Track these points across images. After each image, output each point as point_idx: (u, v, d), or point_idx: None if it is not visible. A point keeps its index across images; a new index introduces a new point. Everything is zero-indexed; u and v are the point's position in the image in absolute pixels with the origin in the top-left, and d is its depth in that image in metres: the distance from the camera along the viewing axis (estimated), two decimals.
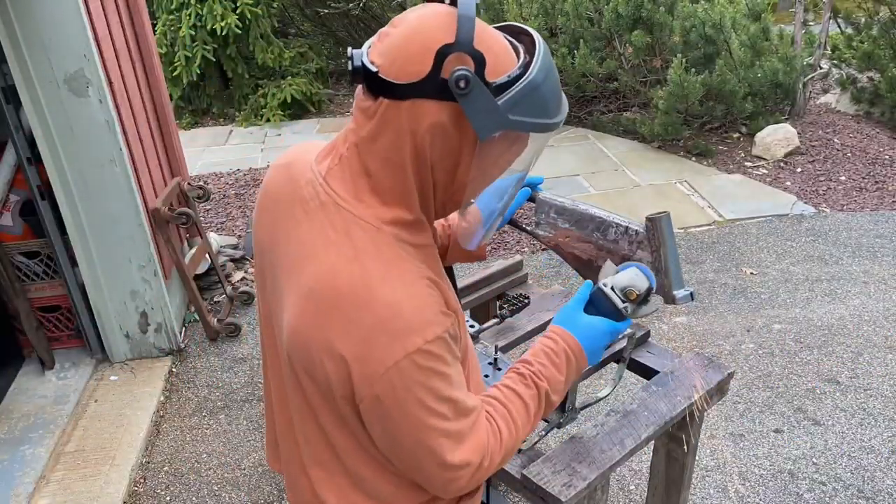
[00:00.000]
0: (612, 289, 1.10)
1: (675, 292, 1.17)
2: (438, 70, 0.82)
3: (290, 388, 1.00)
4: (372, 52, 0.87)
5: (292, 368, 0.95)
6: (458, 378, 0.92)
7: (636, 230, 1.21)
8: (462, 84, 0.81)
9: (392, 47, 0.85)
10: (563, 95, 0.93)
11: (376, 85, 0.85)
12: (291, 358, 0.94)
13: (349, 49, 0.89)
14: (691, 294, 1.18)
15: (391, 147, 0.87)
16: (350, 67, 0.87)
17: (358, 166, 0.90)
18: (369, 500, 1.00)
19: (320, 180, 0.93)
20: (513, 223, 1.44)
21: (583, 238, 1.27)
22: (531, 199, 1.41)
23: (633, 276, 1.11)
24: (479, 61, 0.83)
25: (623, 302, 1.09)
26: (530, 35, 0.91)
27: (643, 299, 1.10)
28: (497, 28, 0.93)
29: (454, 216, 1.28)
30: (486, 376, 1.56)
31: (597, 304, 1.10)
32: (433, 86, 0.83)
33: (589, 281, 1.15)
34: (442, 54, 0.82)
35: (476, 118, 0.83)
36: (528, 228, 1.42)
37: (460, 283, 1.90)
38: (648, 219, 1.17)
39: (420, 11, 0.87)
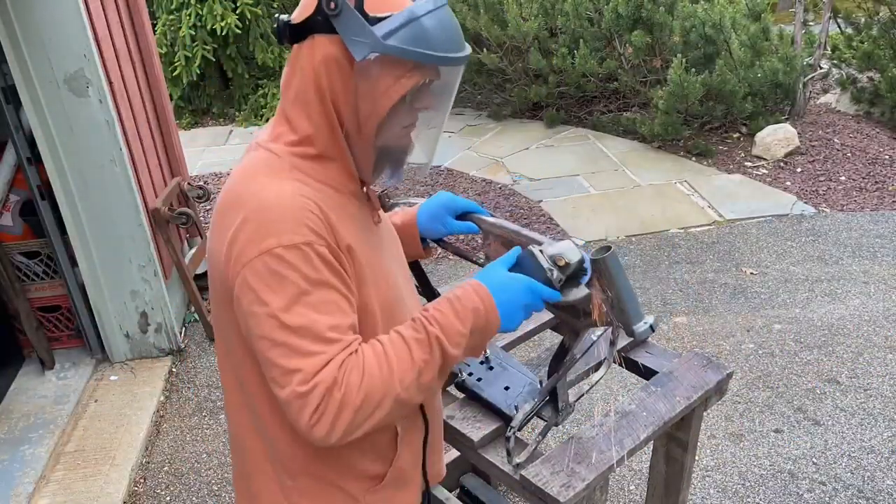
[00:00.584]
0: (541, 251, 1.06)
1: (633, 327, 1.11)
2: (321, 3, 0.93)
3: (221, 348, 1.09)
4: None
5: (215, 309, 1.04)
6: (324, 301, 0.92)
7: (587, 269, 1.12)
8: (331, 6, 0.91)
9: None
10: (460, 37, 0.98)
11: (288, 34, 0.98)
12: (213, 285, 1.03)
13: (276, 15, 1.02)
14: (651, 326, 1.12)
15: (299, 86, 0.98)
16: (274, 29, 1.01)
17: (279, 116, 1.03)
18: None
19: (254, 142, 1.06)
20: (461, 255, 1.45)
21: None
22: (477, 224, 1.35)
23: (565, 246, 1.07)
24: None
25: (550, 267, 1.04)
26: None
27: (573, 274, 1.06)
28: None
29: (399, 216, 1.33)
30: (480, 379, 1.55)
31: (523, 265, 1.06)
32: (321, 19, 0.94)
33: (519, 246, 1.12)
34: None
35: (349, 40, 0.92)
36: (480, 261, 1.40)
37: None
38: (592, 260, 1.08)
39: None
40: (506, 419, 1.44)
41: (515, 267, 1.06)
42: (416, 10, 0.92)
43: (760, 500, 2.38)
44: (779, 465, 2.52)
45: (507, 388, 1.50)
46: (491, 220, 1.32)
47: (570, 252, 1.06)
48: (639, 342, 1.70)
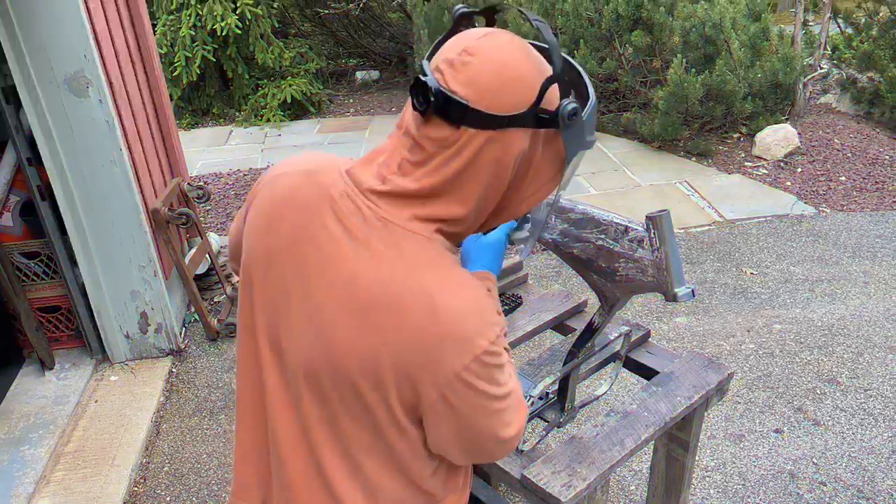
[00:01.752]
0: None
1: (676, 290, 1.17)
2: (540, 101, 0.86)
3: (309, 401, 0.97)
4: (451, 82, 0.85)
5: (332, 384, 0.93)
6: (511, 365, 0.97)
7: (636, 229, 1.20)
8: (573, 116, 0.87)
9: (480, 78, 0.85)
10: None
11: (460, 115, 0.85)
12: (339, 373, 0.91)
13: (422, 76, 0.87)
14: (692, 291, 1.19)
15: (466, 175, 0.88)
16: (417, 95, 0.86)
17: (411, 190, 0.89)
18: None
19: (360, 195, 0.91)
20: None
21: (582, 238, 1.27)
22: None
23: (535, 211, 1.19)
24: (584, 96, 0.90)
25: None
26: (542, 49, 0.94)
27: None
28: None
29: None
30: None
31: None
32: (532, 116, 0.87)
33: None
34: (546, 86, 0.86)
35: (570, 144, 0.90)
36: None
37: None
38: (648, 217, 1.16)
39: (497, 39, 0.88)
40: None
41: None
42: (594, 102, 0.92)
43: (760, 500, 2.38)
44: (779, 466, 2.52)
45: None
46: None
47: (537, 212, 1.19)
48: (644, 340, 1.71)
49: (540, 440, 1.42)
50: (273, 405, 1.00)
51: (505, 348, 0.94)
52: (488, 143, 0.86)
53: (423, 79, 0.86)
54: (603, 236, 1.23)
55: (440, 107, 0.85)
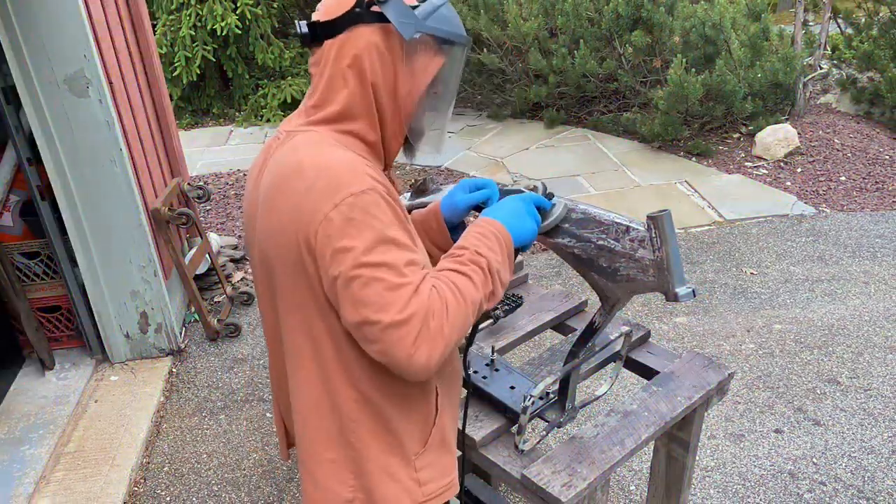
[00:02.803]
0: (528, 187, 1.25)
1: (677, 290, 1.17)
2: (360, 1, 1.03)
3: (280, 319, 1.13)
4: (313, 17, 1.08)
5: (276, 281, 1.09)
6: (396, 237, 1.00)
7: (637, 229, 1.20)
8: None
9: (325, 0, 1.07)
10: (460, 24, 1.14)
11: (318, 33, 1.06)
12: (272, 263, 1.08)
13: (296, 22, 1.09)
14: (693, 291, 1.18)
15: (338, 76, 1.06)
16: (299, 35, 1.08)
17: (310, 107, 1.10)
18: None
19: (283, 133, 1.12)
20: None
21: (583, 238, 1.27)
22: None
23: (524, 183, 1.28)
24: None
25: (528, 186, 1.24)
26: None
27: (545, 194, 1.25)
28: None
29: (424, 210, 1.36)
30: (485, 377, 1.56)
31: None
32: (361, 11, 1.04)
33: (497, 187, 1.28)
34: None
35: (398, 21, 1.04)
36: None
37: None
38: (649, 217, 1.16)
39: None
40: (511, 415, 1.46)
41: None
42: (435, 1, 1.08)
43: (760, 500, 2.38)
44: (779, 466, 2.52)
45: (512, 388, 1.52)
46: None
47: (534, 182, 1.27)
48: (644, 340, 1.71)
49: (540, 440, 1.43)
50: (262, 311, 1.21)
51: (392, 225, 1.00)
52: (342, 46, 1.05)
53: (297, 22, 1.08)
54: (604, 236, 1.23)
55: (308, 37, 1.08)
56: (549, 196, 1.26)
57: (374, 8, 1.04)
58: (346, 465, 1.14)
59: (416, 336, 0.97)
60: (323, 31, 1.06)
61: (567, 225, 1.29)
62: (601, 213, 1.26)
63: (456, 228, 1.32)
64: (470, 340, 1.31)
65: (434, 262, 1.30)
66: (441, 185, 1.54)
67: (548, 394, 1.47)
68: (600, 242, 1.24)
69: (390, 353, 0.98)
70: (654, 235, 1.16)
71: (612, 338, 1.56)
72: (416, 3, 1.07)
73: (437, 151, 1.21)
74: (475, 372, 1.57)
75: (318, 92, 1.09)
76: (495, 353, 1.61)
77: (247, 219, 1.19)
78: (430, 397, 1.18)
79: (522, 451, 1.40)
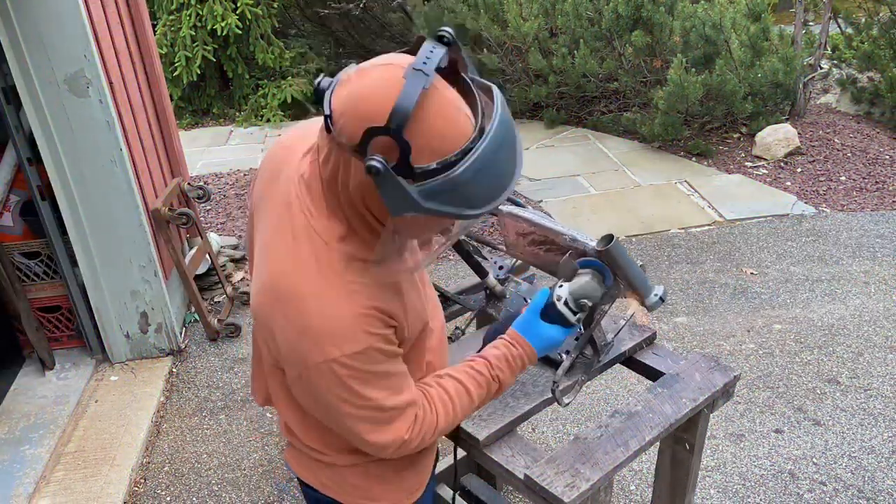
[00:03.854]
0: (566, 303, 1.19)
1: (646, 301, 1.26)
2: (366, 146, 0.86)
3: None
4: (336, 93, 0.91)
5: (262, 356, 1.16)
6: (384, 378, 1.03)
7: (593, 250, 1.28)
8: (373, 172, 0.85)
9: (343, 102, 0.90)
10: (509, 179, 0.91)
11: (328, 125, 0.92)
12: (254, 323, 1.14)
13: (321, 75, 0.96)
14: (661, 298, 1.26)
15: (334, 180, 0.96)
16: (315, 92, 0.97)
17: (320, 178, 1.00)
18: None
19: (296, 179, 1.04)
20: (484, 242, 1.52)
21: (550, 260, 1.37)
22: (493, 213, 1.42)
23: (587, 287, 1.20)
24: (404, 149, 0.85)
25: (575, 314, 1.20)
26: (488, 88, 0.92)
27: (595, 306, 1.23)
28: (471, 80, 0.93)
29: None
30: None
31: (551, 314, 1.20)
32: (362, 155, 0.87)
33: (546, 289, 1.23)
34: (369, 134, 0.86)
35: (388, 200, 0.87)
36: (502, 248, 1.56)
37: (465, 284, 1.92)
38: (598, 252, 1.23)
39: (379, 73, 0.89)
40: (552, 363, 1.56)
41: (544, 314, 1.21)
42: (461, 177, 0.86)
43: (761, 500, 2.38)
44: (779, 466, 2.52)
45: None
46: (504, 208, 1.39)
47: (592, 293, 1.21)
48: (648, 341, 1.70)
49: (581, 385, 1.47)
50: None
51: (386, 371, 1.03)
52: (339, 159, 0.93)
53: (318, 79, 0.96)
54: (563, 255, 1.32)
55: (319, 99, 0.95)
56: (603, 297, 1.24)
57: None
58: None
59: (391, 453, 1.09)
60: (331, 132, 0.91)
61: (531, 248, 1.42)
62: (558, 231, 1.36)
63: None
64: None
65: None
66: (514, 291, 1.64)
67: (580, 347, 1.48)
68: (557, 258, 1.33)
69: (369, 451, 1.11)
70: (609, 264, 1.23)
71: (610, 338, 1.56)
72: (432, 165, 0.86)
73: (415, 271, 1.13)
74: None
75: (329, 165, 0.96)
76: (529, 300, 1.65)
77: (255, 193, 1.18)
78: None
79: (566, 405, 1.43)
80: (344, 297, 0.98)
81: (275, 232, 1.04)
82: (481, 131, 0.88)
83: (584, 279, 1.22)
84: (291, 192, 1.03)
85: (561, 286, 1.21)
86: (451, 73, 0.91)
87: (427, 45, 0.88)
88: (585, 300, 1.19)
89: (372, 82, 0.89)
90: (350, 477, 1.23)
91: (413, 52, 0.90)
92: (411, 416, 1.08)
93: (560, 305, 1.19)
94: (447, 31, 0.89)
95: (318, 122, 1.11)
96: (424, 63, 0.85)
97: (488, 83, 0.93)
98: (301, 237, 1.00)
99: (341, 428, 1.07)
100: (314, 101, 1.09)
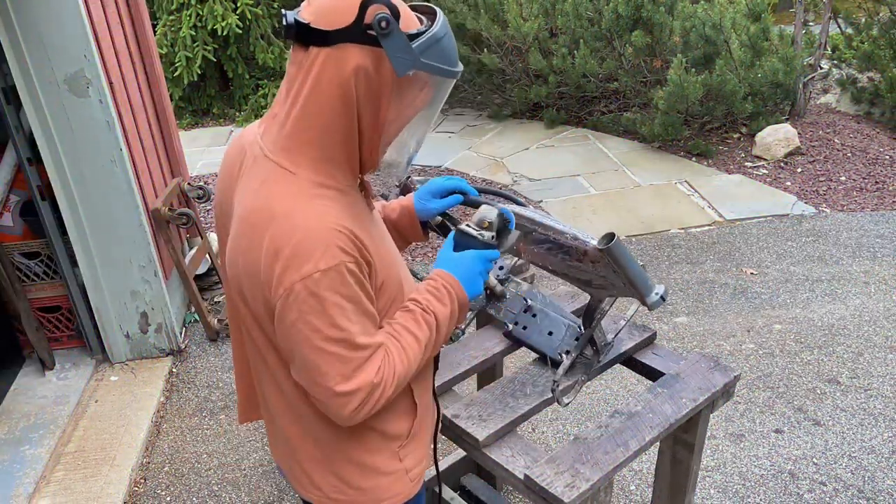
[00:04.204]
0: (468, 225, 1.25)
1: (647, 300, 1.27)
2: (362, 17, 0.97)
3: (243, 330, 1.18)
4: (303, 12, 1.01)
5: (236, 299, 1.12)
6: (357, 313, 1.04)
7: (594, 252, 1.29)
8: (384, 24, 0.96)
9: (322, 3, 0.99)
10: (457, 55, 1.09)
11: (308, 36, 0.99)
12: (231, 286, 1.10)
13: (283, 11, 1.03)
14: (662, 297, 1.28)
15: (321, 93, 1.01)
16: (284, 25, 1.01)
17: (286, 118, 1.04)
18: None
19: (259, 139, 1.09)
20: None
21: (548, 259, 1.38)
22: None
23: (483, 210, 1.26)
24: (395, 12, 0.98)
25: (478, 231, 1.23)
26: (431, 11, 1.08)
27: (501, 227, 1.25)
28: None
29: (391, 204, 1.43)
30: (525, 328, 1.63)
31: (461, 243, 1.24)
32: (357, 31, 0.97)
33: (454, 229, 1.28)
34: (365, 4, 0.97)
35: (395, 57, 0.99)
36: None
37: None
38: (600, 250, 1.25)
39: None
40: (552, 363, 1.58)
41: (457, 246, 1.24)
42: (439, 33, 1.02)
43: (761, 500, 2.38)
44: (779, 466, 2.52)
45: (550, 334, 1.59)
46: (479, 198, 1.42)
47: (488, 213, 1.25)
48: (649, 341, 1.71)
49: (582, 385, 1.47)
50: (227, 298, 1.22)
51: (358, 299, 1.03)
52: (327, 59, 0.99)
53: (284, 11, 1.02)
54: (567, 257, 1.34)
55: (294, 32, 1.01)
56: (506, 222, 1.26)
57: (371, 31, 0.98)
58: (327, 466, 1.21)
59: (357, 405, 1.06)
60: (312, 37, 0.99)
61: (532, 247, 1.40)
62: (561, 231, 1.36)
63: (425, 224, 1.42)
64: (435, 366, 1.36)
65: (399, 248, 1.40)
66: (420, 183, 1.59)
67: (581, 347, 1.51)
68: (567, 262, 1.34)
69: (330, 413, 1.08)
70: (609, 262, 1.25)
71: (610, 338, 1.57)
72: (418, 30, 1.01)
73: (400, 176, 1.19)
74: (516, 324, 1.64)
75: (298, 106, 1.02)
76: (529, 300, 1.67)
77: (217, 195, 1.20)
78: (407, 397, 1.24)
79: (566, 405, 1.45)
80: (314, 215, 1.01)
81: (245, 189, 1.07)
82: (431, 13, 1.06)
83: (480, 209, 1.28)
84: (256, 149, 1.08)
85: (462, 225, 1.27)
86: None
87: None
88: (483, 218, 1.24)
89: None
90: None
91: None
92: (380, 358, 1.08)
93: (462, 227, 1.24)
94: None
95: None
96: None
97: (429, 5, 1.09)
98: (269, 176, 1.04)
99: (310, 372, 1.05)
100: (285, 33, 1.10)
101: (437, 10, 1.08)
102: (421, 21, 1.05)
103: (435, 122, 1.21)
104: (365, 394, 1.06)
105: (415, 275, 1.68)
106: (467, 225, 1.24)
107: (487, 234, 1.23)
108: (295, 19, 1.00)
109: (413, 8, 1.08)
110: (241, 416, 1.41)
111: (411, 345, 1.13)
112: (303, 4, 1.03)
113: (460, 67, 1.10)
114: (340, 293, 1.01)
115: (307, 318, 1.01)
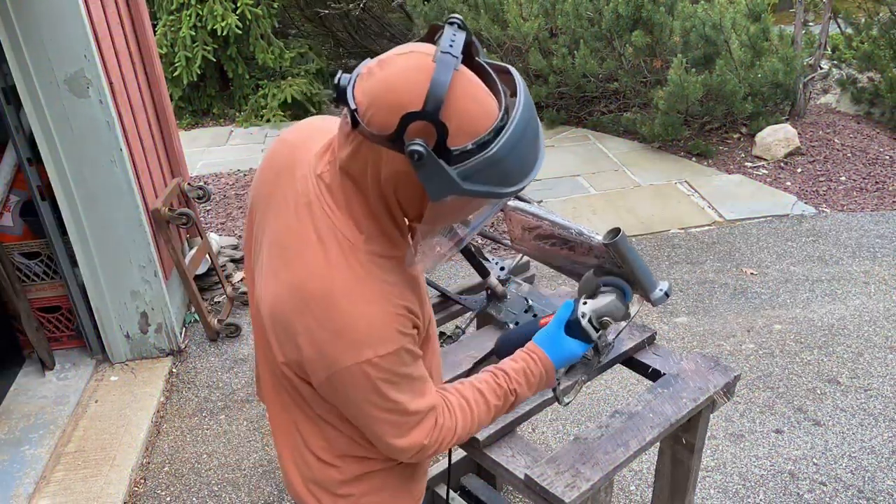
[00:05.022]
0: (590, 320, 1.20)
1: (650, 296, 1.27)
2: (402, 133, 0.86)
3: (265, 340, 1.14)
4: (357, 86, 0.90)
5: (267, 331, 1.07)
6: (410, 381, 1.02)
7: (599, 247, 1.29)
8: (416, 157, 0.85)
9: (371, 93, 0.89)
10: (536, 158, 0.94)
11: (354, 120, 0.90)
12: (267, 327, 1.05)
13: (339, 72, 0.93)
14: (665, 293, 1.27)
15: (362, 176, 0.94)
16: (335, 90, 0.92)
17: (342, 177, 0.97)
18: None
19: (313, 178, 1.01)
20: (489, 237, 1.52)
21: (553, 254, 1.38)
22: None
23: (611, 306, 1.21)
24: (442, 132, 0.86)
25: (597, 331, 1.20)
26: (512, 78, 0.93)
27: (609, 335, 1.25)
28: (486, 64, 0.94)
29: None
30: (517, 323, 1.63)
31: (573, 329, 1.21)
32: (397, 143, 0.87)
33: (570, 302, 1.23)
34: (406, 120, 0.86)
35: (429, 184, 0.88)
36: (507, 243, 1.57)
37: (466, 284, 1.92)
38: (606, 245, 1.25)
39: (404, 61, 0.89)
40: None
41: (567, 328, 1.21)
42: (498, 154, 0.88)
43: (761, 500, 2.38)
44: (779, 466, 2.52)
45: None
46: (511, 203, 1.41)
47: (616, 313, 1.22)
48: (649, 341, 1.71)
49: (582, 385, 1.47)
50: (255, 331, 1.19)
51: (410, 374, 1.02)
52: (369, 150, 0.91)
53: (340, 73, 0.93)
54: (572, 254, 1.34)
55: (344, 104, 0.92)
56: (625, 318, 1.25)
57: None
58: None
59: (412, 456, 1.08)
60: (355, 122, 0.90)
61: (537, 242, 1.41)
62: (563, 226, 1.36)
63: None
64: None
65: None
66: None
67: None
68: (572, 258, 1.35)
69: (388, 454, 1.10)
70: (614, 257, 1.24)
71: (611, 339, 1.57)
72: (467, 146, 0.87)
73: (431, 267, 1.10)
74: (516, 324, 1.63)
75: (353, 183, 0.96)
76: (530, 301, 1.67)
77: (255, 194, 1.13)
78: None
79: (566, 405, 1.43)
80: (377, 298, 0.96)
81: (292, 233, 1.00)
82: (507, 110, 0.90)
83: (608, 298, 1.23)
84: (311, 191, 1.00)
85: (585, 303, 1.22)
86: (467, 57, 0.92)
87: (449, 30, 0.89)
88: (608, 318, 1.20)
89: (400, 70, 0.89)
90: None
91: (427, 40, 0.93)
92: (431, 422, 1.07)
93: (584, 322, 1.20)
94: (458, 17, 0.91)
95: (325, 119, 1.11)
96: (450, 46, 0.87)
97: (505, 65, 0.95)
98: (327, 238, 0.97)
99: (365, 429, 1.07)
100: (334, 99, 1.07)
101: (519, 92, 0.91)
102: (494, 90, 0.91)
103: None
104: (417, 450, 1.07)
105: (430, 284, 1.70)
106: (589, 320, 1.20)
107: (603, 335, 1.22)
108: (346, 94, 0.91)
109: (490, 67, 0.95)
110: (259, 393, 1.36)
111: (482, 414, 1.14)
112: (364, 70, 0.92)
113: (527, 179, 0.94)
114: (395, 372, 1.00)
115: (361, 394, 1.00)
